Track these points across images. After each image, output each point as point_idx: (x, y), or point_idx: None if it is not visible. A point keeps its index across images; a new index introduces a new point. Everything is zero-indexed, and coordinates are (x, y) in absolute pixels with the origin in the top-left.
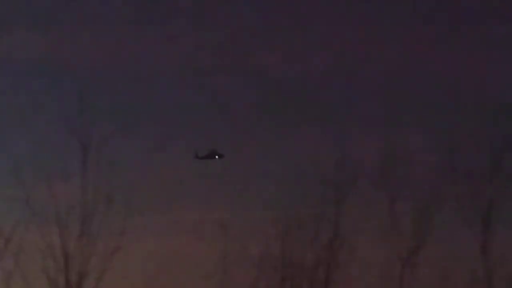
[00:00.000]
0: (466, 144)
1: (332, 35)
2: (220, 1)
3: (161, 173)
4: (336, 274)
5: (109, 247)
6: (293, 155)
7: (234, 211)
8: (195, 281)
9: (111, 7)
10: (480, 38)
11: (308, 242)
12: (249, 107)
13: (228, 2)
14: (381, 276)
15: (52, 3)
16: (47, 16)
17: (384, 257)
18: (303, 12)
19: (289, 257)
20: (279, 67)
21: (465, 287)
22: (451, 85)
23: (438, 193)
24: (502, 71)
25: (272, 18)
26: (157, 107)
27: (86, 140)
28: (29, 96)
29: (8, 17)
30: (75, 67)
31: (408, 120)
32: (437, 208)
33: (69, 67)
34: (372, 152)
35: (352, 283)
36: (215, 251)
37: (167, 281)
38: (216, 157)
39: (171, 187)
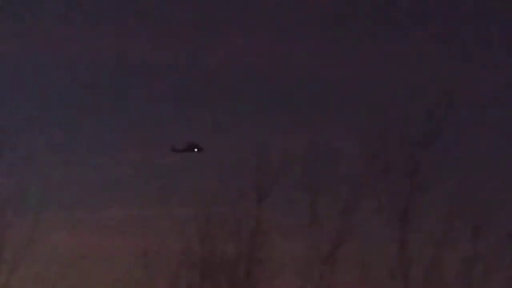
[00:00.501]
0: (386, 141)
1: None
2: None
3: (78, 167)
4: (257, 270)
5: (22, 239)
6: (214, 151)
7: (154, 207)
8: (113, 278)
9: None
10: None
11: (229, 238)
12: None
13: None
14: (302, 272)
15: None
16: None
17: (305, 253)
18: None
19: (209, 254)
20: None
21: (383, 284)
22: (372, 82)
23: (359, 191)
24: (420, 72)
25: None
26: (75, 98)
27: None
28: None
29: None
30: None
31: (331, 117)
32: (358, 205)
33: None
34: (294, 148)
35: (273, 279)
36: (135, 247)
37: (84, 276)
38: (195, 150)
39: (90, 182)
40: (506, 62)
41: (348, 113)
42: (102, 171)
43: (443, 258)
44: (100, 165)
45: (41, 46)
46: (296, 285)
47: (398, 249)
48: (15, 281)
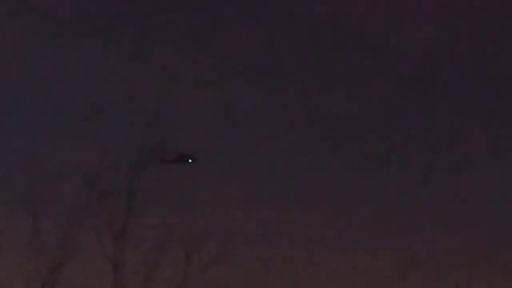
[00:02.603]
0: (104, 164)
1: None
2: None
3: None
4: None
5: None
6: None
7: None
8: None
9: None
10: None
11: None
12: None
13: None
14: None
15: None
16: None
17: (26, 274)
18: None
19: None
20: None
21: None
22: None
23: (80, 211)
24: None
25: None
26: None
27: None
28: None
29: None
30: None
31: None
32: (78, 226)
33: None
34: (17, 165)
35: None
36: None
37: None
38: (190, 161)
39: None
40: None
41: (68, 133)
42: None
43: (155, 278)
44: None
45: None
46: None
47: (113, 269)
48: None
